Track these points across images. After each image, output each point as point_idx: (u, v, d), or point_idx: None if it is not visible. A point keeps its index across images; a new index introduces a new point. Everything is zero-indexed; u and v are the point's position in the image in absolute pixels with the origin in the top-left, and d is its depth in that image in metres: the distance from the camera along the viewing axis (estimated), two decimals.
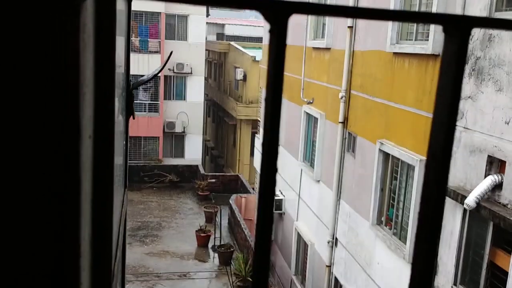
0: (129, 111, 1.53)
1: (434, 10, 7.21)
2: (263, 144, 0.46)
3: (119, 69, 1.31)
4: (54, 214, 0.47)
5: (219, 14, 42.39)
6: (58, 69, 0.42)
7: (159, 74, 24.39)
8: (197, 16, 25.65)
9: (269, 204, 0.48)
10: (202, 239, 17.11)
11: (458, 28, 0.48)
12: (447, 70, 0.48)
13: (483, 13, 6.34)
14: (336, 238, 10.77)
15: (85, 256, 0.57)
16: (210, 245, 17.15)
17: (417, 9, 7.97)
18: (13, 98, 0.43)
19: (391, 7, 8.39)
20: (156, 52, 24.77)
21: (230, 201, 18.61)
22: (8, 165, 0.44)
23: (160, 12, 24.70)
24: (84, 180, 0.49)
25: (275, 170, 0.47)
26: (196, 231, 17.35)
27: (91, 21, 0.49)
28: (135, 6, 24.30)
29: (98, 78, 0.57)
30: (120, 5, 1.25)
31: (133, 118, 1.64)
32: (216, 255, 16.27)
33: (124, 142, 1.53)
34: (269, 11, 0.43)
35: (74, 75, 0.43)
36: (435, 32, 7.22)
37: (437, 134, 0.50)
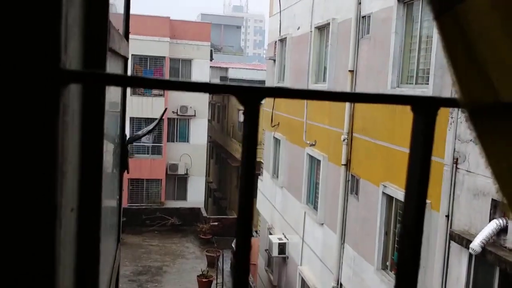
0: (123, 166, 1.56)
1: (433, 56, 7.35)
2: (238, 222, 0.47)
3: (114, 125, 1.35)
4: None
5: (223, 58, 43.28)
6: (35, 150, 0.44)
7: (162, 118, 24.63)
8: (200, 60, 26.18)
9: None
10: (204, 285, 16.77)
11: (425, 108, 0.50)
12: (416, 148, 0.49)
13: None
14: (341, 284, 10.54)
15: None
16: None
17: (416, 56, 8.13)
18: None
19: (391, 54, 8.57)
20: (159, 95, 25.14)
21: (233, 245, 18.34)
22: None
23: (164, 57, 25.25)
24: (64, 255, 0.50)
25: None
26: (198, 276, 17.03)
27: (76, 102, 0.52)
28: (140, 51, 24.84)
29: (85, 153, 0.60)
30: (117, 66, 1.30)
31: (127, 172, 1.66)
32: None
33: (118, 197, 1.54)
34: (243, 96, 0.46)
35: (51, 155, 0.45)
36: (435, 76, 7.33)
37: (409, 209, 0.51)
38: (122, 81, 0.43)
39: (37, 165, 0.43)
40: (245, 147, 0.46)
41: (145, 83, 0.44)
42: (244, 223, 0.46)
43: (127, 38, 1.68)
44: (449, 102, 0.50)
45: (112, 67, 1.05)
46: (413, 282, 0.51)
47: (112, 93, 1.16)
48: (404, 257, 0.52)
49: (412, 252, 0.52)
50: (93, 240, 0.70)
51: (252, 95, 0.45)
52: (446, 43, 0.49)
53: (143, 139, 25.35)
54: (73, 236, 0.59)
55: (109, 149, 1.17)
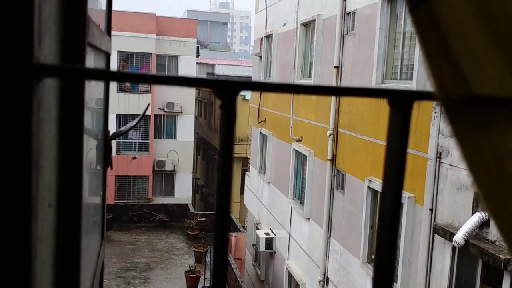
0: (106, 162, 1.54)
1: (417, 52, 7.41)
2: (216, 215, 0.47)
3: (97, 120, 1.33)
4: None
5: (209, 55, 43.10)
6: (8, 143, 0.43)
7: (148, 112, 24.50)
8: (187, 56, 26.06)
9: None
10: (192, 280, 16.76)
11: (401, 101, 0.50)
12: (393, 141, 0.50)
13: None
14: (327, 277, 10.62)
15: None
16: (200, 286, 16.78)
17: (400, 52, 8.19)
18: None
19: (376, 50, 8.62)
20: (146, 91, 24.98)
21: None
22: None
23: (151, 53, 25.08)
24: (41, 250, 0.49)
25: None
26: (186, 272, 17.01)
27: (53, 96, 0.51)
28: (126, 47, 24.60)
29: (64, 148, 0.59)
30: (98, 62, 1.28)
31: (111, 168, 1.65)
32: None
33: (102, 193, 1.53)
34: (219, 90, 0.46)
35: (24, 149, 0.44)
36: (419, 71, 7.40)
37: (386, 199, 0.52)
38: (95, 74, 0.43)
39: (10, 159, 0.42)
40: (222, 140, 0.47)
41: (120, 77, 0.44)
42: (223, 211, 0.47)
43: (109, 33, 1.67)
44: (424, 95, 0.51)
45: (93, 62, 1.04)
46: (390, 271, 0.52)
47: (94, 89, 1.15)
48: (381, 247, 0.53)
49: (389, 242, 0.52)
50: (74, 236, 0.70)
51: (228, 89, 0.46)
52: (421, 36, 0.49)
53: (130, 136, 25.20)
54: (52, 232, 0.58)
55: (91, 145, 1.16)
